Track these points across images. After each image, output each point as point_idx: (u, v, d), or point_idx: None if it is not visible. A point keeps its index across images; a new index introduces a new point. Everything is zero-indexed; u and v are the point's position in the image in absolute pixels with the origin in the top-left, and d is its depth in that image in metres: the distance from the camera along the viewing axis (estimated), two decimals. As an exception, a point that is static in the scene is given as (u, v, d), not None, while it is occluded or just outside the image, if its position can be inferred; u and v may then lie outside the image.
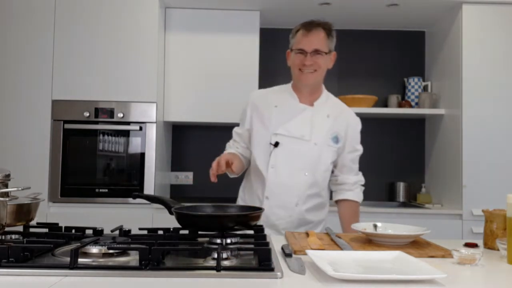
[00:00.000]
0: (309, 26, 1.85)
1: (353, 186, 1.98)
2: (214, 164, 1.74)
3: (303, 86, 1.91)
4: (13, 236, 1.40)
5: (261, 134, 1.90)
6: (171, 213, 1.46)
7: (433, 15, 3.35)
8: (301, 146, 1.85)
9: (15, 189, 1.31)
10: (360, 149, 2.01)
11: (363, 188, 2.03)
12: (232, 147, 2.00)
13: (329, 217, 2.91)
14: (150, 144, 2.99)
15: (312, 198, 1.89)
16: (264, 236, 1.46)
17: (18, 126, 2.96)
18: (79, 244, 1.23)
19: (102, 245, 1.21)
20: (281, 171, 1.84)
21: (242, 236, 1.41)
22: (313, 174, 1.86)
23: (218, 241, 1.30)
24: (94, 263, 1.14)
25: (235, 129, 2.03)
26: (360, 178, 2.01)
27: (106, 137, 2.98)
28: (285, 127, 1.86)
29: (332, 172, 1.99)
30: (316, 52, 1.83)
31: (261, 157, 1.88)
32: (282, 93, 1.96)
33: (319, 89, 1.96)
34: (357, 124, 2.00)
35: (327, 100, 1.97)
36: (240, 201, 2.02)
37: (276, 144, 1.84)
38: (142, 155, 2.99)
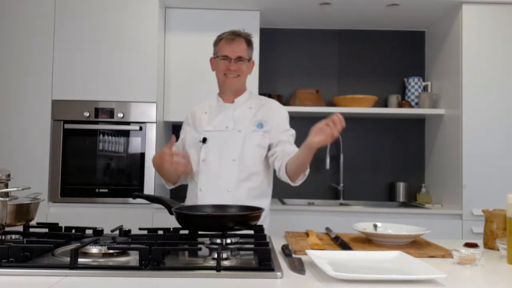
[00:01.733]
0: (232, 35, 2.02)
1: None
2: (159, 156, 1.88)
3: (228, 89, 2.06)
4: (13, 236, 1.41)
5: (193, 136, 2.04)
6: (171, 213, 1.46)
7: (433, 15, 3.35)
8: (226, 136, 1.98)
9: (15, 189, 1.31)
10: (292, 130, 2.07)
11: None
12: None
13: (329, 216, 2.93)
14: (150, 144, 2.99)
15: (244, 183, 1.95)
16: (264, 236, 1.46)
17: (18, 126, 2.95)
18: (79, 244, 1.24)
19: (102, 245, 1.21)
20: (211, 162, 1.96)
21: (242, 236, 1.41)
22: (241, 159, 1.95)
23: (218, 241, 1.30)
24: (94, 263, 1.14)
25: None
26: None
27: (106, 137, 2.98)
28: (212, 123, 2.02)
29: (273, 154, 1.98)
30: (239, 59, 1.99)
31: (194, 156, 2.00)
32: (211, 101, 2.13)
33: (242, 90, 2.10)
34: (282, 110, 2.10)
35: (250, 97, 2.11)
36: (187, 202, 2.06)
37: (204, 140, 1.98)
38: (142, 155, 2.99)
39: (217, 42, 2.07)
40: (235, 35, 2.02)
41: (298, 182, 1.94)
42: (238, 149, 1.96)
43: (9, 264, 1.08)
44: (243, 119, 2.02)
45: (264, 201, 2.00)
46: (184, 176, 2.05)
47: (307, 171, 1.92)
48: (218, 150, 1.97)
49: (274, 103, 2.14)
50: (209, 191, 1.93)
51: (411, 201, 3.53)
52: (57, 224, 1.58)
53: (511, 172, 2.99)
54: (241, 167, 1.95)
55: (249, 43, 2.05)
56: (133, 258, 1.19)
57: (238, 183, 1.94)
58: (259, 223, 1.86)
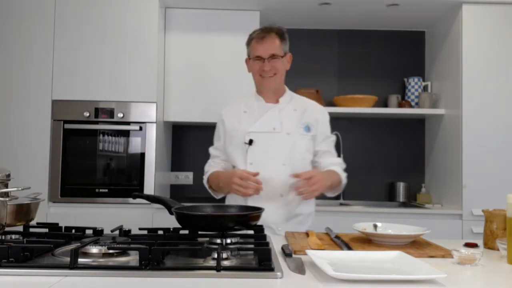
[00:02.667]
0: (262, 33, 1.94)
1: (337, 165, 2.03)
2: (240, 181, 1.78)
3: (266, 90, 2.00)
4: (13, 236, 1.40)
5: (235, 136, 1.98)
6: (171, 213, 1.46)
7: (433, 15, 3.35)
8: (274, 138, 1.93)
9: (15, 189, 1.31)
10: (333, 136, 2.08)
11: (345, 174, 2.05)
12: (213, 166, 2.05)
13: (329, 216, 2.93)
14: (150, 144, 2.99)
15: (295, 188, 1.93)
16: (264, 236, 1.46)
17: (18, 126, 2.96)
18: (79, 244, 1.23)
19: (102, 245, 1.21)
20: (259, 165, 1.89)
21: (242, 236, 1.41)
22: (291, 163, 1.92)
23: (218, 241, 1.30)
24: (94, 263, 1.14)
25: (211, 147, 2.11)
26: (342, 161, 2.08)
27: (106, 137, 2.98)
28: (256, 124, 1.95)
29: (315, 162, 2.03)
30: (273, 57, 1.92)
31: (239, 157, 1.95)
32: (248, 99, 2.06)
33: (282, 89, 2.05)
34: (325, 114, 2.08)
35: (292, 98, 2.05)
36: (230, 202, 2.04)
37: (250, 142, 1.92)
38: (142, 155, 2.99)
39: (249, 42, 2.00)
40: (265, 32, 1.94)
41: (332, 195, 2.02)
42: (288, 152, 1.91)
43: (9, 264, 1.08)
44: (290, 121, 1.96)
45: (311, 203, 2.03)
46: None
47: (342, 185, 2.00)
48: (266, 153, 1.91)
49: (317, 106, 2.09)
50: (261, 195, 1.83)
51: (411, 201, 3.53)
52: (57, 224, 1.58)
53: (511, 172, 2.99)
54: (291, 171, 1.89)
55: (282, 37, 1.96)
56: (133, 258, 1.19)
57: (290, 188, 1.90)
58: (304, 224, 1.92)
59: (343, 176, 2.02)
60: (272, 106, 1.99)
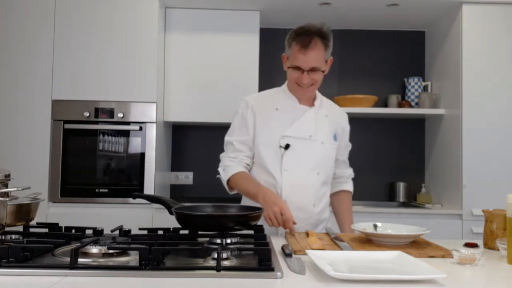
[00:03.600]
0: (307, 39, 1.74)
1: (348, 178, 2.09)
2: (279, 215, 1.65)
3: (301, 98, 1.90)
4: (13, 236, 1.40)
5: (269, 137, 1.85)
6: (171, 213, 1.46)
7: (433, 15, 3.35)
8: (310, 146, 1.86)
9: (15, 189, 1.31)
10: (350, 144, 2.10)
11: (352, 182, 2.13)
12: (236, 164, 1.88)
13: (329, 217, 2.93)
14: (150, 144, 2.99)
15: (324, 197, 1.93)
16: (264, 236, 1.46)
17: (18, 126, 2.96)
18: (79, 244, 1.23)
19: (102, 245, 1.21)
20: (295, 172, 1.83)
21: (242, 236, 1.41)
22: (324, 172, 1.89)
23: (218, 241, 1.30)
24: (94, 263, 1.14)
25: (234, 139, 1.90)
26: (352, 172, 2.12)
27: (106, 137, 2.98)
28: (293, 128, 1.84)
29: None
30: (313, 69, 1.78)
31: (273, 161, 1.84)
32: (279, 95, 1.93)
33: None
34: (347, 122, 2.07)
35: (322, 102, 1.98)
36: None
37: (287, 147, 1.82)
38: (142, 155, 2.98)
39: (289, 43, 1.80)
40: (310, 38, 1.74)
41: None
42: (321, 161, 1.87)
43: (9, 264, 1.08)
44: (323, 129, 1.90)
45: (328, 206, 2.03)
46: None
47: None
48: (302, 160, 1.84)
49: (343, 113, 2.05)
50: (295, 203, 1.78)
51: (411, 201, 3.53)
52: (57, 224, 1.58)
53: (511, 172, 2.99)
54: (324, 181, 1.89)
55: (326, 45, 1.78)
56: (133, 258, 1.19)
57: (321, 197, 1.89)
58: (321, 228, 1.91)
59: (352, 188, 2.09)
60: (307, 109, 1.89)
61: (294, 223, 1.65)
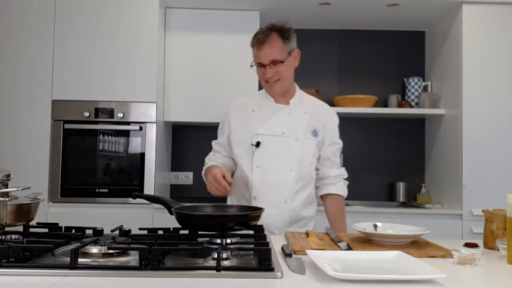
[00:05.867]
0: (262, 37, 1.83)
1: (335, 179, 2.00)
2: (212, 180, 1.77)
3: (273, 95, 1.95)
4: (13, 236, 1.40)
5: (242, 136, 1.92)
6: (171, 213, 1.46)
7: (433, 15, 3.35)
8: (283, 142, 1.88)
9: (15, 189, 1.31)
10: (339, 142, 2.04)
11: (346, 182, 2.05)
12: (213, 159, 2.00)
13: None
14: (150, 144, 2.99)
15: (300, 194, 1.91)
16: (264, 236, 1.46)
17: (18, 126, 2.95)
18: (79, 244, 1.23)
19: (102, 245, 1.21)
20: (266, 170, 1.86)
21: (242, 236, 1.41)
22: (298, 169, 1.88)
23: (218, 241, 1.30)
24: (94, 263, 1.14)
25: (214, 142, 2.07)
26: (342, 172, 2.03)
27: (106, 137, 2.98)
28: (265, 126, 1.89)
29: (316, 169, 2.01)
30: (274, 62, 1.83)
31: (244, 159, 1.90)
32: (258, 98, 2.00)
33: (292, 89, 1.99)
34: (334, 118, 2.03)
35: (302, 98, 1.99)
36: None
37: (258, 144, 1.86)
38: (142, 155, 2.98)
39: (252, 45, 1.90)
40: (265, 34, 1.83)
41: None
42: (296, 158, 1.87)
43: (9, 264, 1.08)
44: (299, 125, 1.91)
45: (314, 206, 2.01)
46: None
47: (344, 198, 2.04)
48: (274, 157, 1.86)
49: (327, 108, 2.04)
50: (266, 201, 1.81)
51: (411, 201, 3.53)
52: (57, 224, 1.58)
53: (511, 172, 2.99)
54: (298, 177, 1.88)
55: (284, 37, 1.84)
56: (133, 258, 1.19)
57: (295, 194, 1.89)
58: (306, 227, 1.91)
59: (342, 191, 2.01)
60: (282, 107, 1.93)
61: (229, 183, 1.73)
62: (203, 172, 1.97)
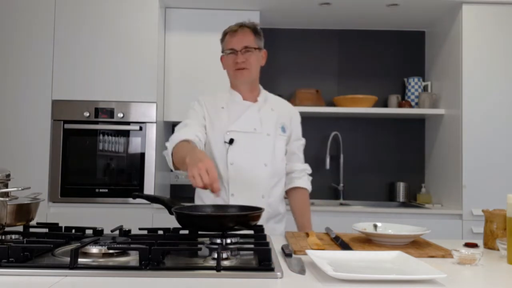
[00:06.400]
0: (235, 27, 1.93)
1: (301, 173, 2.04)
2: (204, 172, 1.40)
3: (240, 83, 1.95)
4: (13, 236, 1.40)
5: (215, 134, 1.89)
6: (171, 213, 1.46)
7: (433, 15, 3.35)
8: (255, 139, 1.89)
9: (15, 189, 1.31)
10: (303, 139, 2.09)
11: (310, 178, 2.08)
12: (186, 132, 1.76)
13: (329, 216, 2.93)
14: (150, 144, 2.99)
15: (275, 189, 1.93)
16: (264, 236, 1.46)
17: (18, 126, 2.96)
18: (79, 244, 1.23)
19: (102, 245, 1.21)
20: (241, 166, 1.86)
21: (242, 236, 1.41)
22: (272, 164, 1.91)
23: (218, 241, 1.30)
24: (94, 263, 1.14)
25: (188, 120, 1.87)
26: (307, 167, 2.07)
27: (106, 137, 2.98)
28: (236, 123, 1.90)
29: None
30: (246, 49, 1.89)
31: (219, 157, 1.87)
32: (225, 95, 2.00)
33: (257, 87, 2.02)
34: (298, 115, 2.09)
35: (267, 97, 2.03)
36: (198, 202, 1.94)
37: (231, 141, 1.86)
38: (142, 155, 2.99)
39: (223, 38, 1.98)
40: (238, 26, 1.93)
41: None
42: (269, 154, 1.89)
43: (9, 264, 1.08)
44: (269, 121, 1.93)
45: (284, 201, 2.03)
46: None
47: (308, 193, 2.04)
48: (247, 153, 1.87)
49: (289, 105, 2.10)
50: (243, 197, 1.82)
51: (411, 201, 3.53)
52: (57, 224, 1.58)
53: (511, 172, 2.99)
54: (273, 172, 1.90)
55: (255, 32, 1.94)
56: (133, 258, 1.19)
57: (271, 189, 1.91)
58: (282, 222, 1.92)
59: (307, 185, 2.03)
60: (251, 104, 1.95)
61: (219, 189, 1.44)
62: (170, 147, 1.71)
